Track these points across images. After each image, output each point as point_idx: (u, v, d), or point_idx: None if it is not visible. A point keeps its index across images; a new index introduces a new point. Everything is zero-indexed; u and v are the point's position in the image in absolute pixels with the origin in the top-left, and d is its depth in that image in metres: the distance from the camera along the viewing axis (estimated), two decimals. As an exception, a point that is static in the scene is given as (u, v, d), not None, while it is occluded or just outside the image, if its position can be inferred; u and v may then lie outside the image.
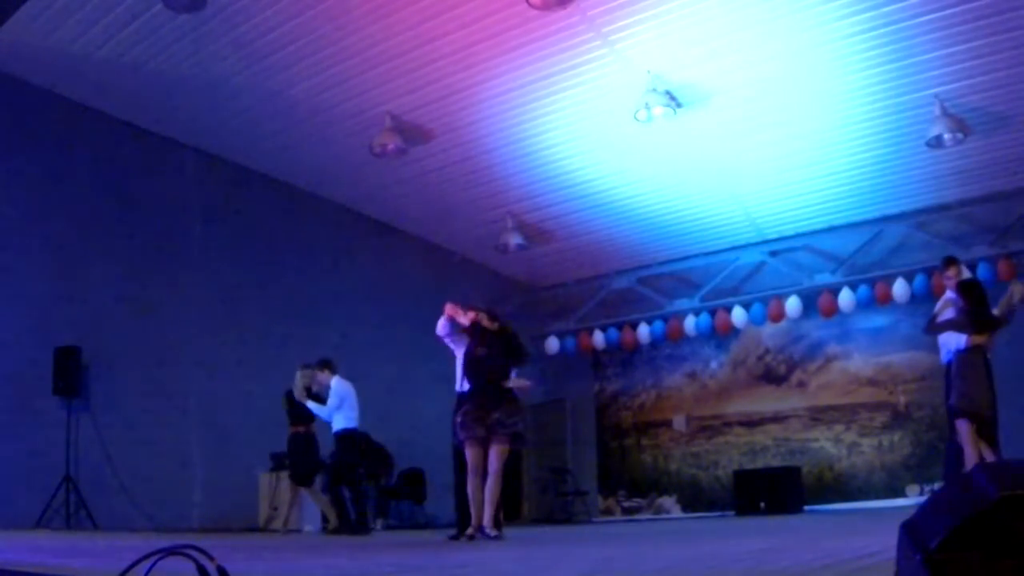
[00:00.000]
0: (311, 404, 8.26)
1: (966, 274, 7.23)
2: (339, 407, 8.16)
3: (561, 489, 13.53)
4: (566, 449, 14.15)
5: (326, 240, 11.23)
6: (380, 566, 3.74)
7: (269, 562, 4.13)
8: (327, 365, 8.32)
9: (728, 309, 12.31)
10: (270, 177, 10.55)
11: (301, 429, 8.55)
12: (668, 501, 13.32)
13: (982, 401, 6.40)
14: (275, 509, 9.48)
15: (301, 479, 8.59)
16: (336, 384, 8.22)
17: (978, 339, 6.47)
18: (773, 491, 11.12)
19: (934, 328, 6.76)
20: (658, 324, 12.91)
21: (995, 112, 8.67)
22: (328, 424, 8.32)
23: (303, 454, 8.54)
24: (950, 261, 7.06)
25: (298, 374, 8.43)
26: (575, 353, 13.57)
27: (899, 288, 10.89)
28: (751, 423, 12.74)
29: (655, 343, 13.16)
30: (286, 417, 8.55)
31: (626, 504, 13.69)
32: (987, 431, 6.37)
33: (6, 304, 8.12)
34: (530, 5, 6.92)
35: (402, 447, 11.06)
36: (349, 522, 8.10)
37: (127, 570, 1.97)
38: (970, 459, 6.24)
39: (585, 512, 13.38)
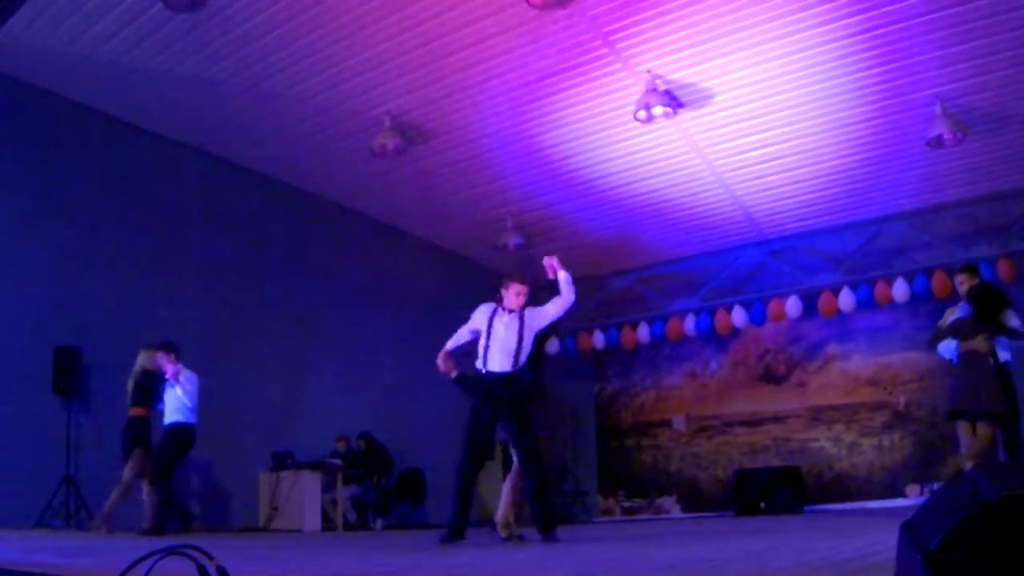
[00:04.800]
0: (182, 393, 7.56)
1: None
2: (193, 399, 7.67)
3: (561, 489, 13.54)
4: (566, 449, 14.15)
5: (326, 240, 11.24)
6: (379, 566, 3.74)
7: (269, 562, 4.13)
8: (172, 348, 7.67)
9: (728, 309, 12.30)
10: (270, 177, 10.54)
11: (145, 412, 7.76)
12: (668, 501, 13.32)
13: (969, 400, 6.45)
14: (275, 509, 9.48)
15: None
16: (192, 374, 7.67)
17: (969, 344, 6.54)
18: (773, 491, 11.12)
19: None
20: (658, 324, 12.91)
21: (995, 112, 8.67)
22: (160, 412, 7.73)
23: (147, 441, 7.72)
24: (963, 268, 7.00)
25: (141, 354, 7.82)
26: (575, 353, 13.57)
27: (899, 288, 10.90)
28: (751, 423, 12.75)
29: (655, 343, 13.15)
30: (129, 399, 7.75)
31: (626, 504, 13.68)
32: (1005, 431, 6.38)
33: (6, 304, 8.11)
34: (530, 5, 6.93)
35: (402, 447, 11.06)
36: (163, 519, 7.45)
37: (127, 570, 1.97)
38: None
39: (585, 512, 13.38)
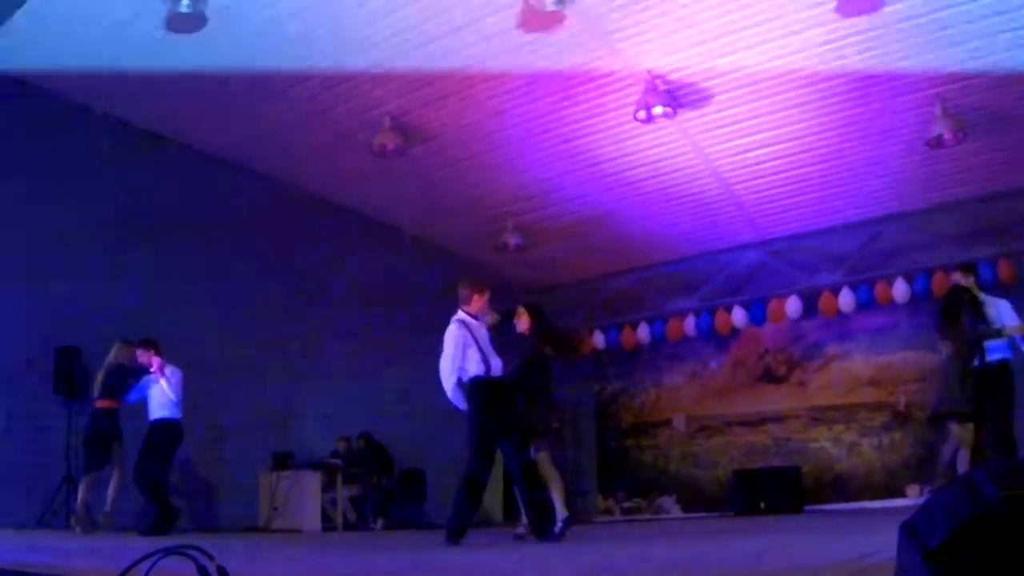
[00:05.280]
0: (166, 387, 7.51)
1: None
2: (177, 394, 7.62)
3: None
4: (566, 449, 14.14)
5: (325, 240, 11.23)
6: (379, 566, 3.74)
7: (269, 562, 4.13)
8: (152, 344, 7.66)
9: (728, 309, 12.30)
10: (270, 177, 10.54)
11: (114, 406, 7.74)
12: (668, 501, 13.31)
13: (941, 402, 6.79)
14: (275, 509, 9.49)
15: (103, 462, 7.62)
16: (175, 369, 7.64)
17: (943, 346, 6.69)
18: (773, 491, 11.11)
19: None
20: (658, 324, 12.90)
21: (995, 112, 8.66)
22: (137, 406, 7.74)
23: (119, 434, 7.75)
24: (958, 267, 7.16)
25: (117, 347, 7.79)
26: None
27: (899, 288, 10.89)
28: (751, 423, 12.74)
29: (655, 343, 13.14)
30: (98, 391, 7.74)
31: (626, 504, 13.68)
32: (976, 430, 6.49)
33: (6, 304, 8.11)
34: (530, 5, 6.92)
35: (402, 447, 11.05)
36: (169, 518, 7.44)
37: (127, 570, 1.97)
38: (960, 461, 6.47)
39: (585, 512, 13.37)
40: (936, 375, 6.95)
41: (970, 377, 6.50)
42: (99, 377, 7.75)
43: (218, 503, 9.57)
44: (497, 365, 5.67)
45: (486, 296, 5.91)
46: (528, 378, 6.20)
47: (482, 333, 5.79)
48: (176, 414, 7.63)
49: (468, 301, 5.84)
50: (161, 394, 7.59)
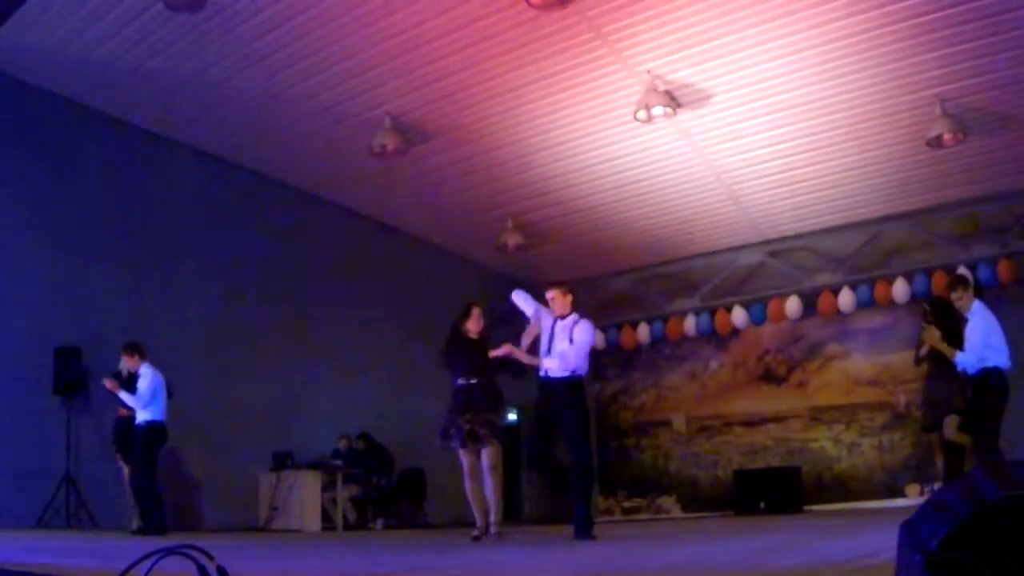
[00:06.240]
0: (123, 394, 7.50)
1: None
2: (154, 397, 7.55)
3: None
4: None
5: (325, 240, 11.23)
6: (380, 566, 3.74)
7: (269, 562, 4.13)
8: (136, 350, 7.64)
9: (728, 309, 12.30)
10: (269, 177, 10.54)
11: (131, 412, 7.76)
12: (668, 501, 13.31)
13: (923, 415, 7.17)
14: (275, 509, 9.49)
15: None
16: (151, 373, 7.58)
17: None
18: (773, 491, 11.11)
19: None
20: (658, 324, 12.91)
21: (995, 112, 8.67)
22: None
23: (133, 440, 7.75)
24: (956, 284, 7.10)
25: (122, 354, 7.76)
26: (575, 353, 13.55)
27: (899, 288, 10.90)
28: (751, 423, 12.74)
29: (655, 343, 13.15)
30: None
31: (626, 504, 13.68)
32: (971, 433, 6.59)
33: (6, 304, 8.12)
34: (530, 5, 6.93)
35: (402, 447, 11.04)
36: (160, 520, 7.40)
37: (127, 570, 1.97)
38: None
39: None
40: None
41: (953, 388, 6.67)
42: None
43: (218, 503, 9.55)
44: (551, 367, 5.79)
45: (547, 296, 6.02)
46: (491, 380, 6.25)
47: (556, 336, 5.86)
48: (157, 416, 7.57)
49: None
50: (150, 398, 7.58)
